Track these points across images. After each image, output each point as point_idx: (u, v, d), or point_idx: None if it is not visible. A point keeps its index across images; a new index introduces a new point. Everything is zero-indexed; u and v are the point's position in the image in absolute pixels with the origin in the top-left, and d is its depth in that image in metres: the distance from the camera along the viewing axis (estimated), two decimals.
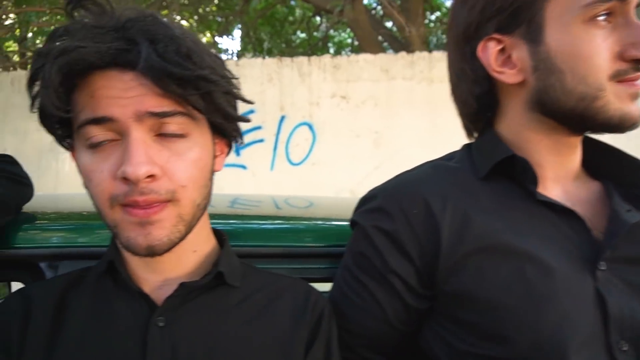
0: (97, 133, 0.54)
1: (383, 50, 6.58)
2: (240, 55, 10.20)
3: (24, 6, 5.50)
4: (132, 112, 0.53)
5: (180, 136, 0.56)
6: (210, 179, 0.62)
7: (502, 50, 0.68)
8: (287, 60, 4.61)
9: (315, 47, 9.57)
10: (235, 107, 0.62)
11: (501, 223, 0.66)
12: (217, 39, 10.43)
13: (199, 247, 0.64)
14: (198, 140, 0.58)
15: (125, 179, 0.52)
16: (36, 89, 0.54)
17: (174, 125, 0.55)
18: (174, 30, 0.54)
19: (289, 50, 9.95)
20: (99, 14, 0.55)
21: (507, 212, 0.68)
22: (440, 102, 4.52)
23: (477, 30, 0.69)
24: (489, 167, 0.70)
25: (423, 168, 0.76)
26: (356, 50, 9.83)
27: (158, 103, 0.53)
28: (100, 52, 0.51)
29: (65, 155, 4.83)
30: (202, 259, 0.64)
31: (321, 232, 0.89)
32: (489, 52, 0.68)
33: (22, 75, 5.14)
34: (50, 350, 0.56)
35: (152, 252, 0.55)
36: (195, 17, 9.13)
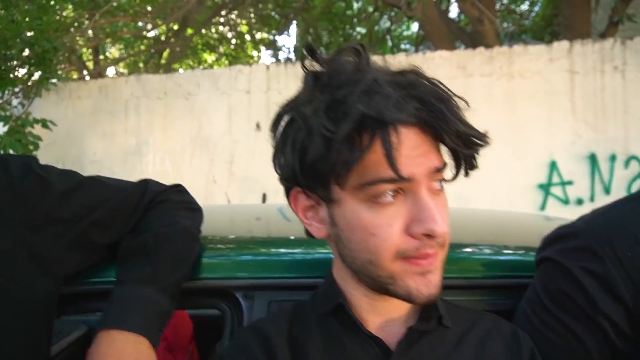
0: (388, 190, 0.55)
1: (454, 44, 6.40)
2: (297, 52, 10.30)
3: (103, 20, 5.82)
4: (426, 170, 0.55)
5: (442, 187, 0.59)
6: None
7: None
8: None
9: (375, 42, 9.46)
10: None
11: None
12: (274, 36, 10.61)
13: None
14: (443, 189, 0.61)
15: (425, 235, 0.55)
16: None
17: (440, 177, 0.58)
18: (442, 86, 0.57)
19: None
20: (356, 65, 0.58)
21: None
22: (521, 99, 4.35)
23: None
24: None
25: (627, 204, 0.73)
26: (420, 41, 9.62)
27: (438, 158, 0.57)
28: (405, 111, 0.52)
29: (148, 157, 5.10)
30: None
31: (492, 261, 0.88)
32: None
33: (108, 82, 5.46)
34: None
35: (431, 299, 0.58)
36: (252, 16, 9.31)
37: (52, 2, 4.82)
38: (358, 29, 10.68)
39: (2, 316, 0.64)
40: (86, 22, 5.77)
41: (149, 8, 6.85)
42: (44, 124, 4.57)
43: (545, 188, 4.33)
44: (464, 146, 0.56)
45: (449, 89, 0.57)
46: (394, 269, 0.57)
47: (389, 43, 10.45)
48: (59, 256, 0.71)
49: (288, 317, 0.66)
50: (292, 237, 0.95)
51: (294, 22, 9.95)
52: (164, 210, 0.82)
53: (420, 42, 9.62)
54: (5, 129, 4.51)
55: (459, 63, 4.41)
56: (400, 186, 0.55)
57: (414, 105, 0.53)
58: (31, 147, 4.39)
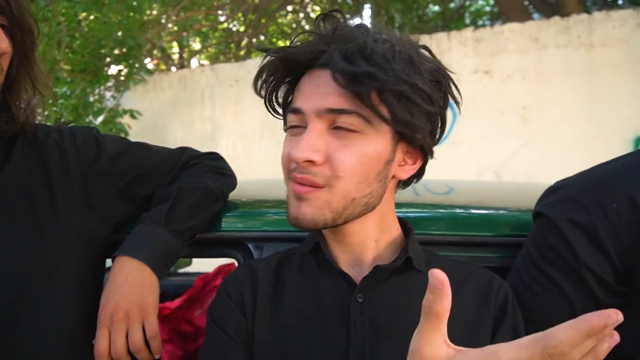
0: (293, 120, 0.65)
1: (529, 15, 6.00)
2: None
3: (182, 14, 6.19)
4: (314, 108, 0.62)
5: (354, 132, 0.62)
6: (378, 180, 0.65)
7: None
8: (424, 37, 4.50)
9: (449, 20, 9.10)
10: (419, 115, 0.63)
11: None
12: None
13: (379, 237, 0.70)
14: (372, 140, 0.62)
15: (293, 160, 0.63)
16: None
17: (348, 121, 0.61)
18: (373, 35, 0.62)
19: (422, 25, 9.59)
20: (334, 24, 0.65)
21: None
22: (602, 70, 4.00)
23: None
24: None
25: (626, 160, 0.72)
26: (496, 17, 9.09)
27: (337, 101, 0.61)
28: (306, 53, 0.63)
29: (222, 142, 5.43)
30: (385, 246, 0.70)
31: (496, 221, 0.90)
32: None
33: (187, 73, 5.87)
34: (275, 314, 0.68)
35: (297, 224, 0.64)
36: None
37: (137, 3, 5.21)
38: (430, 6, 10.31)
39: (71, 247, 0.79)
40: (165, 18, 6.22)
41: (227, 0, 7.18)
42: (132, 114, 5.03)
43: None
44: (352, 84, 0.59)
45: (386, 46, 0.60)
46: (288, 189, 0.68)
47: (467, 21, 9.94)
48: (110, 204, 0.87)
49: (279, 257, 0.75)
50: None
51: (367, 5, 9.85)
52: (194, 171, 0.95)
53: (497, 17, 9.08)
54: (101, 119, 5.03)
55: (530, 35, 4.15)
56: (301, 118, 0.64)
57: (318, 49, 0.62)
58: (122, 135, 4.87)
